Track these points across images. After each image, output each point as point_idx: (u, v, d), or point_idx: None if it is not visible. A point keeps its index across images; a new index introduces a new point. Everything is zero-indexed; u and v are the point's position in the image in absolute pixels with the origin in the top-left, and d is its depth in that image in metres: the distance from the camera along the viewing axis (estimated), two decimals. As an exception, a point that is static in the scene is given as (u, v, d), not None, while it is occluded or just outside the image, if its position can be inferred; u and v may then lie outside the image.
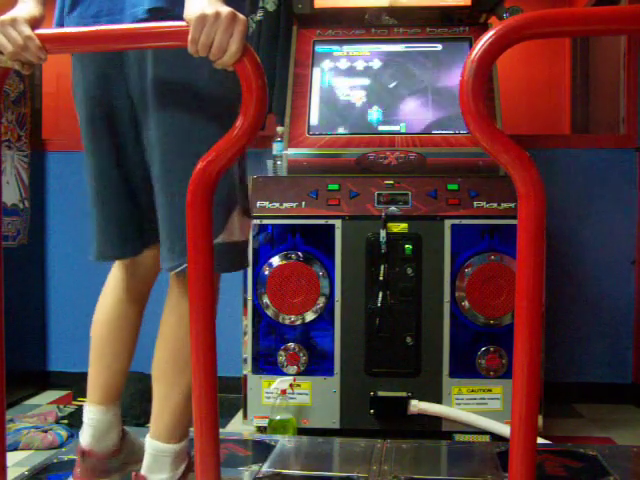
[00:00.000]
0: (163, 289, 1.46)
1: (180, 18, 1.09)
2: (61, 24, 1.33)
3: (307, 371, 2.47)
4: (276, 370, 2.48)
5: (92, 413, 1.48)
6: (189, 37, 1.05)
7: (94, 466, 1.46)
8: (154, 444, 1.39)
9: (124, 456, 1.54)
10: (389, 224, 2.44)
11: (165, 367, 1.40)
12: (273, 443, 1.99)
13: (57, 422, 2.66)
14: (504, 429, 2.32)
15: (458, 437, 2.41)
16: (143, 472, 1.39)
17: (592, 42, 4.05)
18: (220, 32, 1.04)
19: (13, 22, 1.13)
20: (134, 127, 1.35)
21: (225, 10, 1.07)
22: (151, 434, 1.41)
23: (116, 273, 1.54)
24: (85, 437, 1.48)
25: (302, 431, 2.42)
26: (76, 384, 3.01)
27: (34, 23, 1.15)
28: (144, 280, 1.53)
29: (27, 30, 1.13)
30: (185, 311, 1.19)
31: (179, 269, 1.31)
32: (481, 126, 0.91)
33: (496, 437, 2.34)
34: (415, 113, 2.72)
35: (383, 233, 2.42)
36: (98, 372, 1.51)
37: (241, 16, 1.08)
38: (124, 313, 1.51)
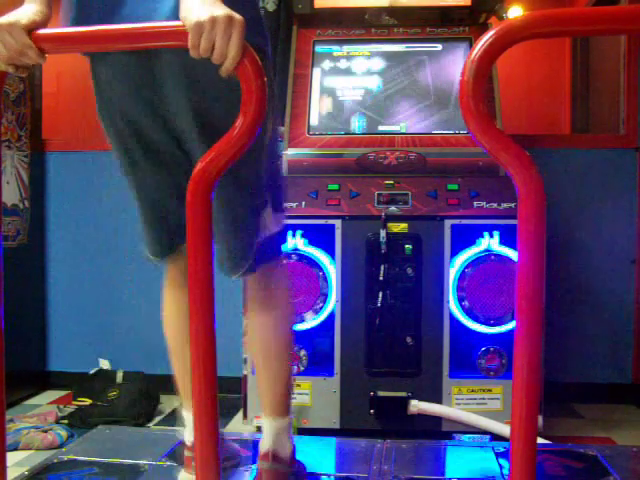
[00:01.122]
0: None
1: None
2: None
3: (307, 371, 2.47)
4: (276, 370, 2.47)
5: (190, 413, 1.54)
6: (189, 43, 1.04)
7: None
8: (275, 422, 1.54)
9: (223, 452, 1.64)
10: (389, 224, 2.44)
11: (271, 354, 1.57)
12: (273, 443, 1.99)
13: (57, 422, 2.66)
14: (504, 429, 2.32)
15: (458, 437, 2.41)
16: (268, 456, 1.52)
17: (592, 42, 4.05)
18: (219, 38, 1.03)
19: (10, 27, 1.11)
20: (171, 138, 1.36)
21: (220, 13, 1.04)
22: (269, 414, 1.55)
23: (169, 275, 1.57)
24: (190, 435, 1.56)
25: (302, 431, 2.42)
26: (76, 384, 3.02)
27: (34, 26, 1.12)
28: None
29: (24, 38, 1.10)
30: (269, 303, 1.52)
31: (241, 273, 1.42)
32: (481, 126, 0.91)
33: (496, 437, 2.34)
34: (415, 113, 2.72)
35: (383, 233, 2.42)
36: (185, 374, 1.55)
37: (237, 17, 1.05)
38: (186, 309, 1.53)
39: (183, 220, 1.37)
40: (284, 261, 1.63)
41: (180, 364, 1.57)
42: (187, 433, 1.60)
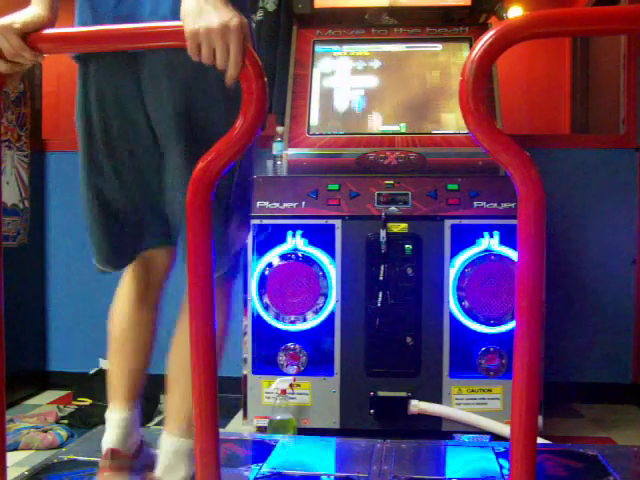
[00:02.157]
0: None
1: None
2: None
3: (307, 371, 2.47)
4: (276, 370, 2.48)
5: (117, 413, 1.48)
6: (189, 49, 1.05)
7: (121, 465, 1.46)
8: (175, 440, 1.41)
9: (143, 458, 1.55)
10: (389, 224, 2.44)
11: (185, 367, 1.41)
12: (273, 443, 1.99)
13: (57, 422, 2.66)
14: (504, 429, 2.32)
15: (458, 437, 2.41)
16: (159, 473, 1.41)
17: (592, 42, 4.05)
18: (217, 47, 1.03)
19: (3, 30, 1.12)
20: (151, 139, 1.35)
21: (215, 23, 1.03)
22: (171, 431, 1.43)
23: (127, 276, 1.54)
24: (111, 438, 1.46)
25: (302, 431, 2.42)
26: (76, 384, 3.02)
27: (29, 28, 1.13)
28: (156, 280, 1.53)
29: (16, 40, 1.11)
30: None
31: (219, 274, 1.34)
32: (481, 126, 0.91)
33: (496, 437, 2.34)
34: (415, 113, 2.72)
35: (383, 233, 2.42)
36: (119, 373, 1.52)
37: (232, 23, 1.04)
38: (138, 313, 1.51)
39: (148, 223, 1.39)
40: (232, 283, 1.51)
41: (121, 360, 1.51)
42: (110, 438, 1.46)
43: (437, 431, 2.42)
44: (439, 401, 2.43)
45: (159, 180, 1.38)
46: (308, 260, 2.46)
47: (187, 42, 1.04)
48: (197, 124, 1.30)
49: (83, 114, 1.36)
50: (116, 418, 1.47)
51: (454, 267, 2.43)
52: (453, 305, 2.43)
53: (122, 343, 1.51)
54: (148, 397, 2.86)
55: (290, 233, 2.46)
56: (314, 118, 2.71)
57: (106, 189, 1.39)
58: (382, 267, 2.43)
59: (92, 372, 3.07)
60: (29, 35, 1.13)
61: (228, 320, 1.49)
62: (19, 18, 1.15)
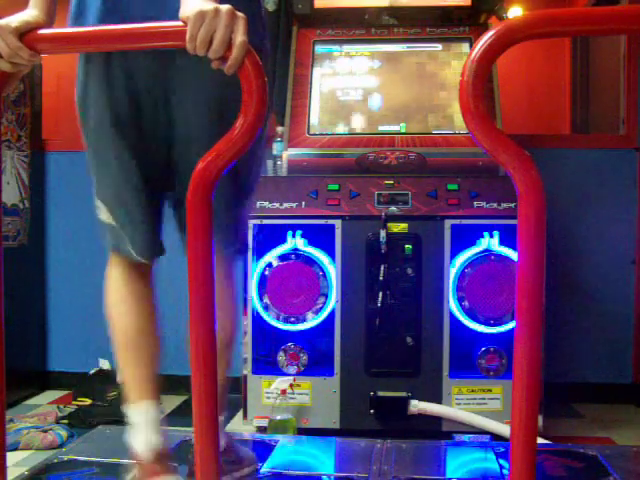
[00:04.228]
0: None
1: None
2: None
3: (307, 371, 2.47)
4: (276, 370, 2.48)
5: (148, 409, 1.42)
6: (187, 35, 1.03)
7: (170, 466, 1.42)
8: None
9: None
10: (389, 224, 2.44)
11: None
12: (273, 443, 1.99)
13: (57, 422, 2.66)
14: (504, 429, 2.32)
15: (458, 437, 2.41)
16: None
17: (592, 42, 4.05)
18: (221, 27, 1.02)
19: (1, 30, 1.12)
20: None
21: (224, 6, 1.04)
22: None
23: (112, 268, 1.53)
24: (150, 437, 1.40)
25: (302, 431, 2.42)
26: (76, 384, 3.02)
27: (26, 28, 1.13)
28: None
29: (13, 39, 1.12)
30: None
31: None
32: (481, 126, 0.91)
33: (496, 437, 2.34)
34: (415, 113, 2.72)
35: (383, 233, 2.42)
36: (140, 365, 1.47)
37: (241, 14, 1.05)
38: (134, 291, 1.49)
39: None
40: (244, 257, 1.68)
41: (136, 354, 1.47)
42: (143, 438, 1.40)
43: (437, 431, 2.42)
44: (439, 401, 2.43)
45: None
46: (308, 260, 2.46)
47: (189, 24, 1.03)
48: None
49: (106, 93, 1.34)
50: (147, 413, 1.42)
51: (454, 267, 2.43)
52: (453, 305, 2.43)
53: (139, 334, 1.47)
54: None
55: (290, 233, 2.46)
56: (314, 118, 2.71)
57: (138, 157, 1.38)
58: (382, 267, 2.43)
59: (92, 372, 3.07)
60: (25, 35, 1.13)
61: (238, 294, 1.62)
62: (15, 18, 1.15)
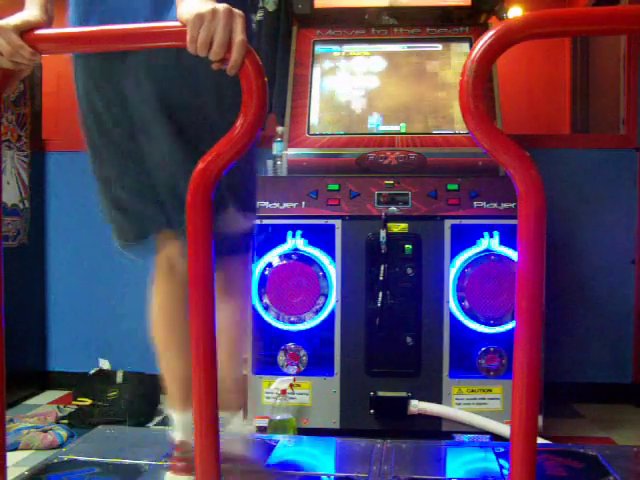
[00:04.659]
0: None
1: None
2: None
3: (307, 371, 2.47)
4: (276, 370, 2.48)
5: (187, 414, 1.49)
6: (187, 37, 1.03)
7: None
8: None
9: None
10: (389, 224, 2.44)
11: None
12: (273, 443, 1.99)
13: (57, 422, 2.66)
14: (504, 429, 2.32)
15: (458, 437, 2.41)
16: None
17: (592, 42, 4.05)
18: (220, 28, 1.02)
19: (1, 28, 1.13)
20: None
21: (221, 6, 1.04)
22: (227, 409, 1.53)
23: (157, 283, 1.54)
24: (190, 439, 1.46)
25: (302, 431, 2.42)
26: (76, 384, 3.02)
27: (26, 27, 1.14)
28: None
29: (14, 38, 1.12)
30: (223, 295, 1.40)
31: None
32: (481, 126, 0.91)
33: (496, 437, 2.34)
34: (415, 113, 2.71)
35: (383, 233, 2.42)
36: (184, 371, 1.48)
37: (238, 11, 1.05)
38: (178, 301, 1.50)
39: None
40: (247, 262, 1.61)
41: (180, 360, 1.49)
42: (180, 432, 1.53)
43: (437, 431, 2.42)
44: (439, 401, 2.43)
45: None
46: (308, 260, 2.46)
47: (188, 26, 1.03)
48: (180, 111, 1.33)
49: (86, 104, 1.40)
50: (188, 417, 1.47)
51: (454, 267, 2.43)
52: (453, 305, 2.43)
53: (182, 339, 1.46)
54: (148, 397, 2.86)
55: (290, 233, 2.46)
56: (314, 118, 2.71)
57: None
58: (382, 267, 2.43)
59: (92, 372, 3.07)
60: (25, 34, 1.14)
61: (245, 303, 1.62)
62: (15, 17, 1.16)
